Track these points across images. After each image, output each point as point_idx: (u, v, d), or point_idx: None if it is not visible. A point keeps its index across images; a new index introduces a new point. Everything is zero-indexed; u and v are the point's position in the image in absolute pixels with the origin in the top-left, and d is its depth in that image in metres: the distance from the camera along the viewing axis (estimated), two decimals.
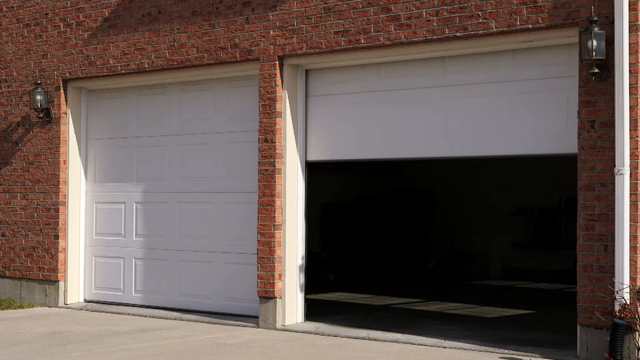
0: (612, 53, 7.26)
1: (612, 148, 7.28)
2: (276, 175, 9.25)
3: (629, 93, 7.19)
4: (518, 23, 7.82)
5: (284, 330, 9.12)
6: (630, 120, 7.20)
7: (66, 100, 11.24)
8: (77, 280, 11.29)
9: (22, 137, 11.55)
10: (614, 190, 7.26)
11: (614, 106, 7.25)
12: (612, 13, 7.27)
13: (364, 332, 8.80)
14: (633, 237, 7.18)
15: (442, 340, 8.32)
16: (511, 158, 8.66)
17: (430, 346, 8.18)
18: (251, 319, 9.61)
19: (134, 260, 10.89)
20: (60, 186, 11.16)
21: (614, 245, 7.24)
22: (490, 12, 7.96)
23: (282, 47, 9.21)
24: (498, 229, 16.48)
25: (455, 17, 8.14)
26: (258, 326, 9.30)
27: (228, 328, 9.31)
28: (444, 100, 8.61)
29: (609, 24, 7.30)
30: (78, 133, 11.33)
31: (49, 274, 11.19)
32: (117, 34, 10.57)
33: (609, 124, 7.31)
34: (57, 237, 11.14)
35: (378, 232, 16.50)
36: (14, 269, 11.59)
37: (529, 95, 8.12)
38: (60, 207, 11.15)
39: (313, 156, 9.43)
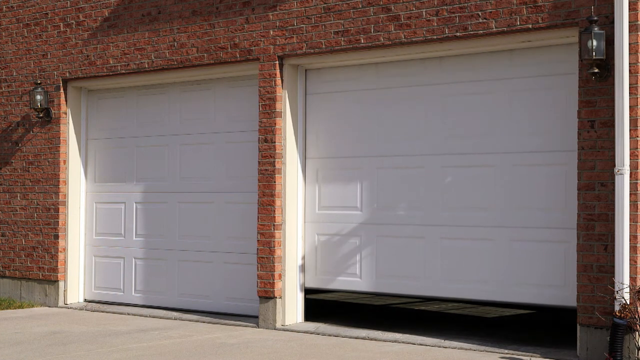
0: (612, 53, 7.26)
1: (612, 148, 7.28)
2: (276, 175, 9.25)
3: (629, 93, 7.19)
4: (518, 23, 7.82)
5: (284, 330, 9.12)
6: (630, 120, 7.20)
7: (66, 100, 11.24)
8: (77, 280, 11.29)
9: (22, 137, 11.55)
10: (614, 190, 7.26)
11: (614, 106, 7.26)
12: (612, 13, 7.28)
13: (364, 332, 8.80)
14: (633, 237, 7.19)
15: (442, 340, 8.33)
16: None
17: (430, 346, 8.18)
18: (251, 319, 9.61)
19: (134, 260, 10.89)
20: (60, 186, 11.16)
21: (614, 245, 7.24)
22: (490, 12, 7.96)
23: (282, 47, 9.21)
24: None
25: (455, 17, 8.14)
26: (258, 326, 9.30)
27: (228, 328, 9.31)
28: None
29: (609, 24, 7.30)
30: (78, 133, 11.33)
31: (49, 274, 11.20)
32: (117, 34, 10.57)
33: (609, 124, 7.31)
34: (57, 237, 11.15)
35: None
36: (14, 268, 11.59)
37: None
38: (60, 207, 11.15)
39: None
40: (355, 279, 9.15)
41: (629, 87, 7.19)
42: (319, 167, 9.37)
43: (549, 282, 7.97)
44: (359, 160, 9.11)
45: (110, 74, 10.68)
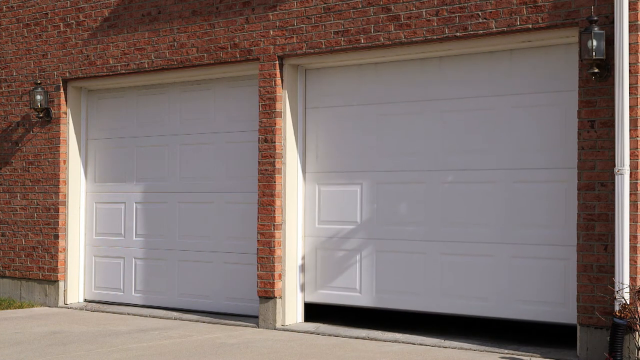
0: (612, 53, 7.26)
1: (612, 148, 7.28)
2: (276, 175, 9.25)
3: (629, 93, 7.19)
4: (518, 23, 7.82)
5: (284, 330, 9.12)
6: (630, 120, 7.20)
7: (66, 100, 11.25)
8: (77, 280, 11.29)
9: (22, 137, 11.55)
10: (614, 190, 7.26)
11: (614, 106, 7.26)
12: (612, 13, 7.28)
13: (364, 332, 8.80)
14: (633, 237, 7.19)
15: (442, 340, 8.33)
16: None
17: (430, 346, 8.18)
18: (251, 319, 9.61)
19: (134, 260, 10.89)
20: (60, 186, 11.16)
21: (614, 245, 7.24)
22: (490, 12, 7.96)
23: (282, 47, 9.21)
24: None
25: (455, 17, 8.14)
26: (258, 326, 9.30)
27: (228, 328, 9.31)
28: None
29: (609, 24, 7.30)
30: (78, 133, 11.33)
31: (49, 274, 11.20)
32: (117, 34, 10.57)
33: (609, 124, 7.31)
34: (57, 237, 11.15)
35: None
36: (14, 268, 11.59)
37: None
38: (60, 207, 11.15)
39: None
40: (355, 293, 9.15)
41: (629, 87, 7.19)
42: (318, 181, 9.36)
43: (549, 299, 7.95)
44: (359, 175, 9.08)
45: (110, 74, 10.68)
